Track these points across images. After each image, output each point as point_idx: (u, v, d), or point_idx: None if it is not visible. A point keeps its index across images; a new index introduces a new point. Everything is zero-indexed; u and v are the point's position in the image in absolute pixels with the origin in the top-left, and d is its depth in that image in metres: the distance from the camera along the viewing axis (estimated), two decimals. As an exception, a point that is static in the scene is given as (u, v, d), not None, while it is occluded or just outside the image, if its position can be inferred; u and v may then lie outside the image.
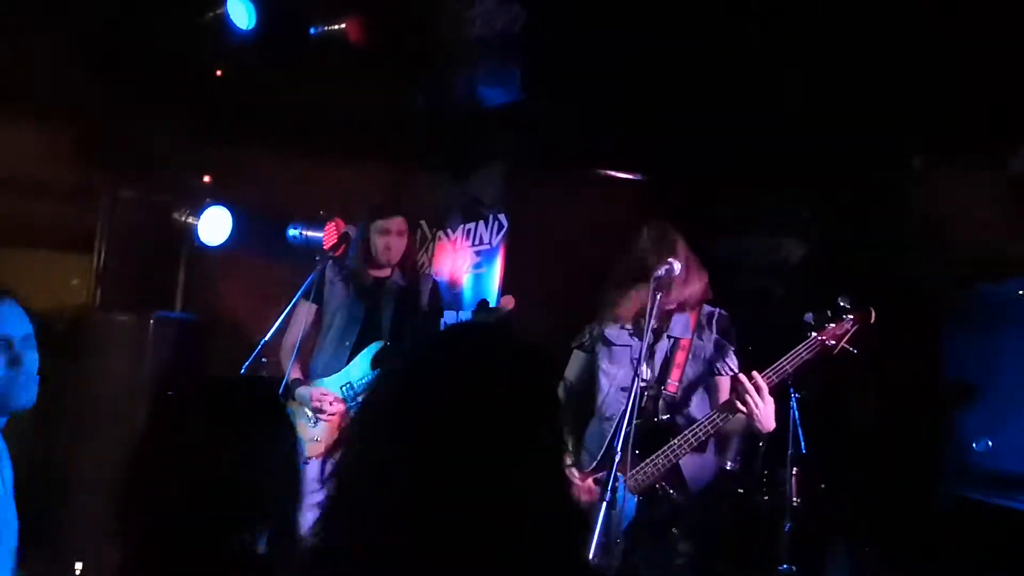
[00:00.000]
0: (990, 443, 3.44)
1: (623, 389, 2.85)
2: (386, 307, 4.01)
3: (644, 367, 3.16)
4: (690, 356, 3.17)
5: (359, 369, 3.87)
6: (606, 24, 4.65)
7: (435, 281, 4.39)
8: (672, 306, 3.17)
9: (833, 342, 2.91)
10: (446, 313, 3.97)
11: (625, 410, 2.85)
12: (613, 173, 5.62)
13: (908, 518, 3.95)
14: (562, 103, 4.80)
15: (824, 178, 5.04)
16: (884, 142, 4.70)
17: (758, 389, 2.91)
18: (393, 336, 3.96)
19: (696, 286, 3.19)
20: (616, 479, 2.96)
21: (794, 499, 4.06)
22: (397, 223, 4.05)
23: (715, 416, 3.02)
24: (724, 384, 3.17)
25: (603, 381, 3.26)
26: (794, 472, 4.03)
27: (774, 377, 2.94)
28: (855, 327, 2.91)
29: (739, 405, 2.93)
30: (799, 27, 4.45)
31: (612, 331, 3.28)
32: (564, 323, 3.81)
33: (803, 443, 3.93)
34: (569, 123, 4.79)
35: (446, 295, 4.63)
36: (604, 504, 2.76)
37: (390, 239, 4.01)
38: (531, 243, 4.97)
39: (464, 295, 5.24)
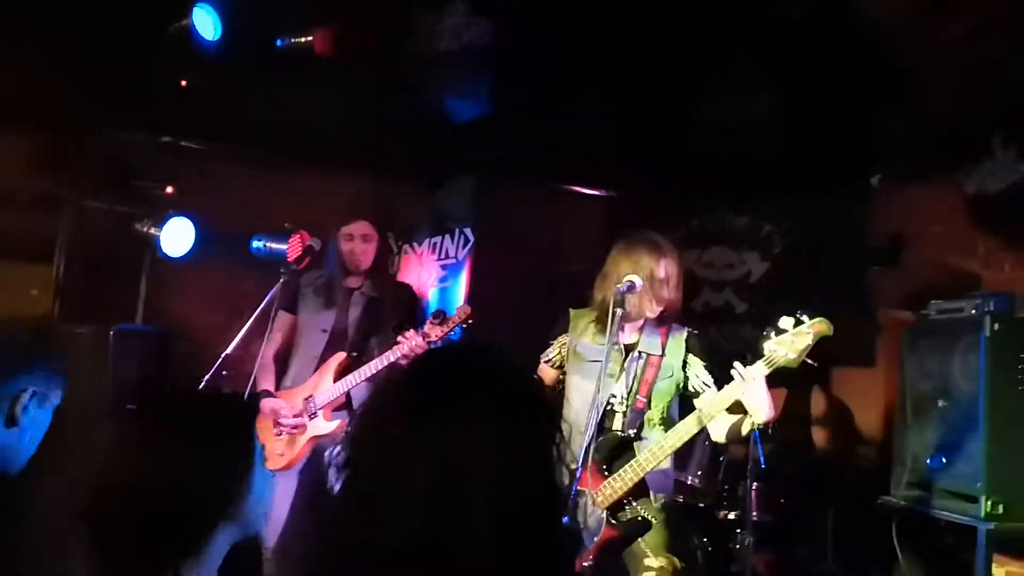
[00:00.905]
0: (944, 459, 3.51)
1: (593, 405, 2.86)
2: (352, 318, 3.94)
3: (614, 382, 3.18)
4: (659, 372, 3.19)
5: (322, 382, 3.82)
6: (575, 40, 4.68)
7: (409, 289, 4.28)
8: (641, 322, 3.19)
9: (793, 355, 2.95)
10: (428, 323, 3.69)
11: (590, 425, 2.86)
12: (579, 189, 5.67)
13: (865, 532, 4.01)
14: (530, 118, 4.83)
15: (785, 195, 5.13)
16: (843, 161, 4.80)
17: (754, 379, 2.94)
18: (356, 348, 3.88)
19: (660, 301, 3.20)
20: (577, 495, 2.99)
21: (754, 514, 4.13)
22: (361, 227, 3.98)
23: (681, 430, 3.04)
24: (705, 398, 3.18)
25: (574, 397, 3.27)
26: (754, 487, 4.09)
27: (765, 369, 2.97)
28: (814, 341, 2.95)
29: (740, 396, 2.95)
30: (765, 46, 4.52)
31: (584, 346, 3.29)
32: (531, 337, 3.82)
33: (763, 459, 3.99)
34: (537, 138, 4.82)
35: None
36: (565, 520, 2.78)
37: (354, 244, 3.96)
38: (497, 257, 4.98)
39: (429, 309, 5.23)
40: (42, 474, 2.03)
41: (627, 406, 3.19)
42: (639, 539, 3.10)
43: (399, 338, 3.62)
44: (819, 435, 4.98)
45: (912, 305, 4.13)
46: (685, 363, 3.23)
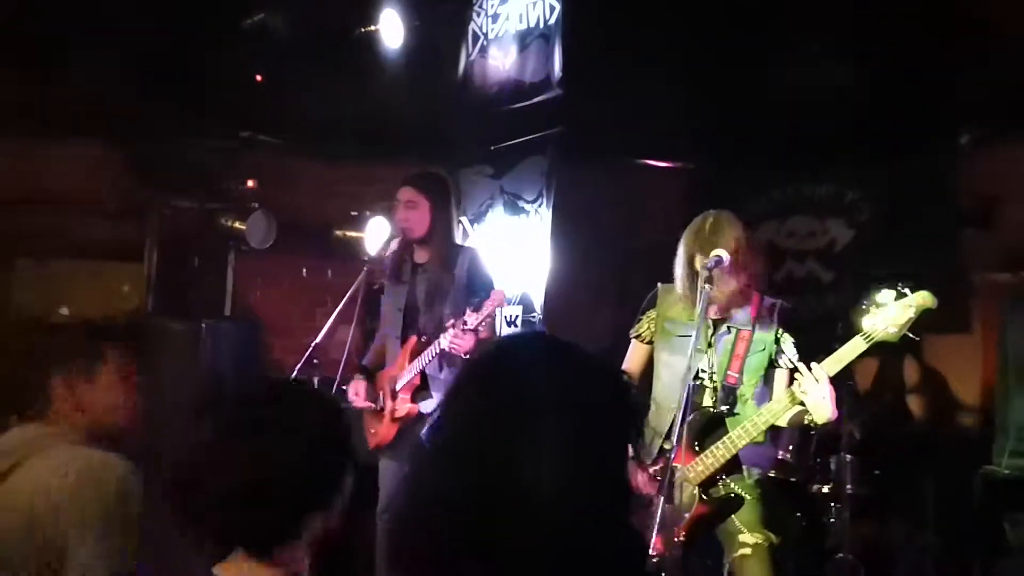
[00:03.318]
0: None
1: (683, 381, 2.82)
2: (420, 296, 3.89)
3: (704, 358, 3.14)
4: (750, 347, 3.14)
5: (404, 363, 3.84)
6: (645, 11, 4.62)
7: (473, 255, 3.97)
8: (728, 299, 3.13)
9: (894, 330, 2.86)
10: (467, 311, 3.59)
11: (683, 401, 2.83)
12: (655, 162, 5.60)
13: (966, 503, 3.90)
14: (600, 95, 4.78)
15: (869, 160, 4.98)
16: (929, 121, 4.64)
17: (818, 380, 2.87)
18: (426, 327, 3.84)
19: (748, 274, 3.14)
20: (673, 471, 2.96)
21: (848, 487, 4.04)
22: (404, 193, 3.84)
23: (775, 407, 2.99)
24: (783, 375, 3.13)
25: (663, 372, 3.24)
26: (849, 460, 4.01)
27: (834, 367, 2.91)
28: (916, 314, 2.85)
29: (799, 396, 2.90)
30: (843, 6, 4.39)
31: (673, 321, 3.26)
32: (610, 314, 3.80)
33: (856, 430, 3.91)
34: (610, 113, 4.77)
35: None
36: (662, 497, 2.76)
37: (398, 210, 3.86)
38: (576, 236, 4.95)
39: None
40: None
41: (718, 381, 3.14)
42: (733, 516, 3.06)
43: (447, 325, 3.61)
44: (914, 405, 4.84)
45: (1010, 268, 3.98)
46: (778, 338, 3.17)
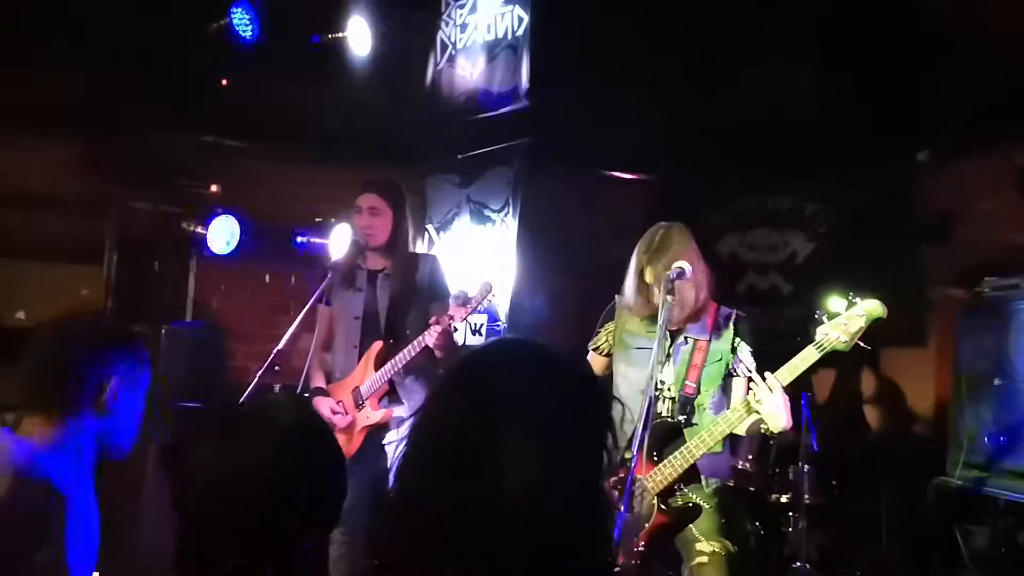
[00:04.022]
0: (1003, 438, 3.45)
1: (642, 392, 2.84)
2: (382, 303, 3.86)
3: (662, 369, 3.17)
4: (707, 357, 3.17)
5: (366, 372, 3.80)
6: (611, 24, 4.66)
7: (434, 262, 4.04)
8: (688, 310, 3.17)
9: (845, 339, 2.91)
10: (452, 305, 3.61)
11: (643, 412, 2.85)
12: (619, 174, 5.64)
13: (920, 514, 3.96)
14: (567, 106, 4.80)
15: (829, 175, 5.06)
16: (888, 137, 4.72)
17: (772, 389, 2.91)
18: (391, 333, 3.82)
19: (705, 286, 3.19)
20: (632, 481, 2.98)
21: (806, 497, 4.09)
22: (369, 199, 3.83)
23: (730, 416, 3.02)
24: (740, 384, 3.17)
25: (621, 384, 3.26)
26: (806, 470, 4.05)
27: (788, 376, 2.95)
28: (867, 324, 2.90)
29: (754, 405, 2.94)
30: (805, 21, 4.45)
31: (631, 333, 3.28)
32: (574, 325, 3.82)
33: (815, 442, 3.96)
34: (575, 126, 4.80)
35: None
36: (622, 507, 2.78)
37: (360, 217, 3.83)
38: (541, 246, 4.97)
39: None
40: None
41: (676, 392, 3.17)
42: (691, 525, 3.09)
43: (432, 319, 3.61)
44: (871, 416, 4.92)
45: (964, 283, 4.05)
46: (734, 348, 3.21)
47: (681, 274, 3.01)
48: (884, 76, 4.46)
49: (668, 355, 3.19)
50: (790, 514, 4.16)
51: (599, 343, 3.40)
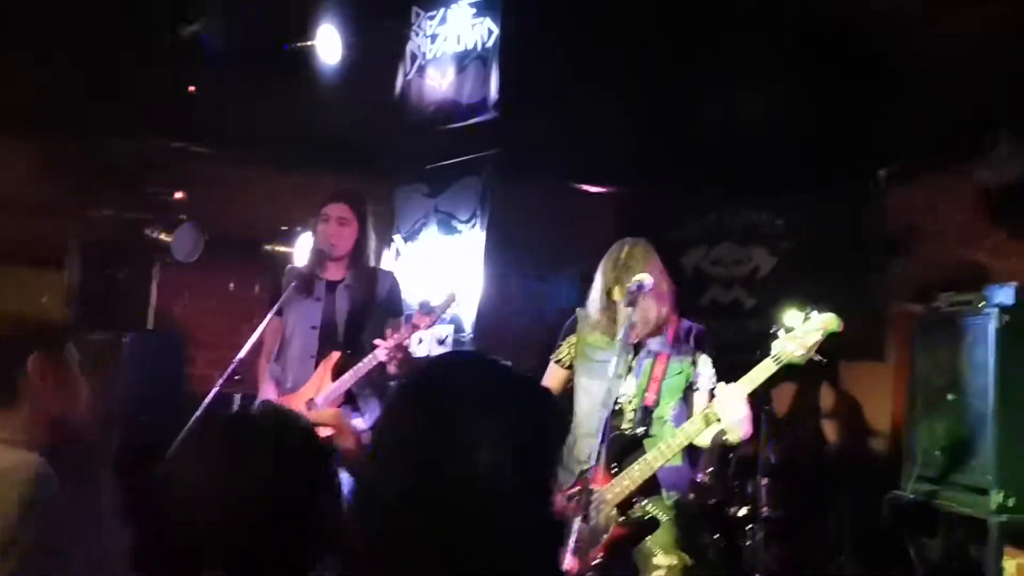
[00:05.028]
0: (955, 453, 3.50)
1: (603, 404, 2.87)
2: (340, 313, 3.85)
3: (623, 381, 3.19)
4: (668, 370, 3.21)
5: (323, 383, 3.75)
6: (581, 38, 4.70)
7: (393, 278, 4.07)
8: (650, 324, 3.20)
9: (802, 351, 2.95)
10: (416, 313, 3.65)
11: (602, 425, 2.87)
12: (588, 187, 5.68)
13: (876, 527, 4.01)
14: (536, 118, 4.84)
15: (793, 190, 5.13)
16: (851, 155, 4.80)
17: (733, 399, 2.95)
18: (349, 344, 3.80)
19: (666, 302, 3.23)
20: (591, 493, 3.00)
21: (764, 509, 4.13)
22: (337, 208, 3.80)
23: (688, 428, 3.06)
24: (702, 397, 3.21)
25: (582, 397, 3.29)
26: (764, 483, 4.10)
27: (746, 388, 2.99)
28: (823, 337, 2.95)
29: (714, 416, 2.97)
30: (770, 43, 4.52)
31: (592, 346, 3.31)
32: (541, 337, 3.83)
33: (772, 454, 4.01)
34: (543, 138, 4.83)
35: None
36: (579, 519, 2.79)
37: (329, 226, 3.80)
38: (509, 257, 4.99)
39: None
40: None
41: (636, 404, 3.20)
42: (648, 537, 3.11)
43: (389, 331, 3.60)
44: (830, 430, 4.98)
45: (921, 298, 4.12)
46: (695, 361, 3.24)
47: (641, 287, 3.05)
48: (847, 96, 4.54)
49: (630, 368, 3.22)
50: (749, 527, 4.20)
51: (561, 355, 3.42)
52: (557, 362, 3.43)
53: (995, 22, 3.90)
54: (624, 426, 3.19)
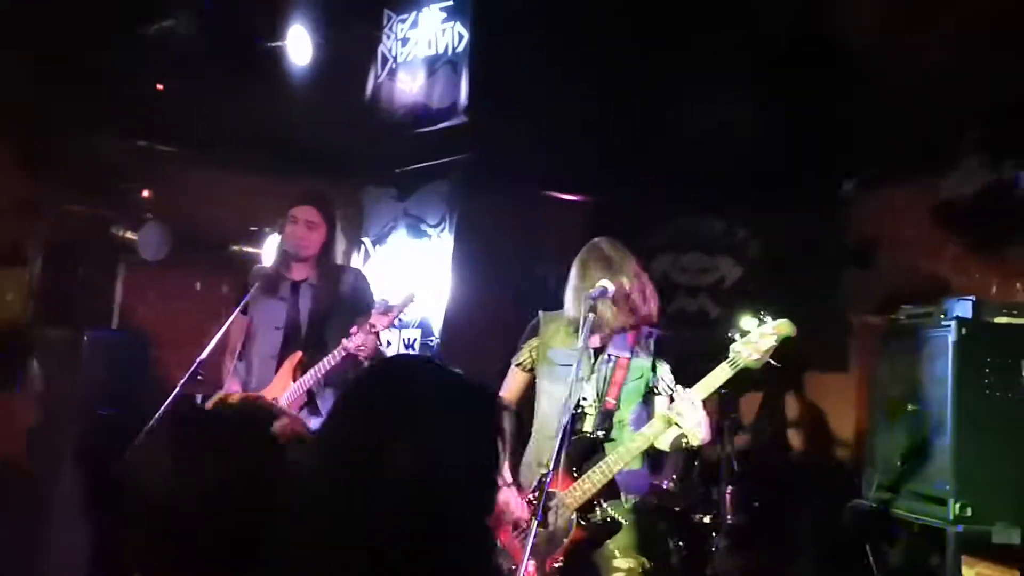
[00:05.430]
0: (914, 463, 3.53)
1: (564, 408, 2.87)
2: (304, 313, 3.83)
3: (584, 385, 3.20)
4: (628, 374, 3.21)
5: (286, 383, 3.74)
6: (553, 44, 4.71)
7: (358, 274, 4.06)
8: (612, 326, 3.19)
9: (757, 356, 2.97)
10: (374, 313, 3.61)
11: (562, 428, 2.87)
12: (557, 194, 5.69)
13: (837, 535, 4.04)
14: (505, 123, 4.84)
15: (759, 201, 5.17)
16: (817, 167, 4.85)
17: (693, 403, 2.96)
18: (312, 343, 3.79)
19: (651, 307, 3.25)
20: (550, 496, 2.99)
21: (728, 516, 4.16)
22: (306, 211, 3.80)
23: (647, 431, 3.06)
24: (662, 402, 3.21)
25: (543, 400, 3.29)
26: (728, 490, 4.12)
27: (703, 391, 3.01)
28: (777, 342, 2.98)
29: (673, 419, 2.98)
30: (742, 54, 4.56)
31: (555, 350, 3.31)
32: (507, 342, 3.83)
33: (735, 463, 4.04)
34: (512, 144, 4.83)
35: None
36: (535, 522, 2.79)
37: (297, 228, 3.79)
38: (472, 262, 4.98)
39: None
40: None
41: (597, 408, 3.20)
42: (609, 540, 3.11)
43: (350, 330, 3.59)
44: (794, 438, 5.01)
45: (884, 310, 4.16)
46: (654, 366, 3.25)
47: (603, 292, 3.05)
48: (814, 108, 4.59)
49: (592, 372, 3.22)
50: (713, 534, 4.21)
51: (522, 359, 3.42)
52: (518, 365, 3.43)
53: (960, 36, 3.96)
54: (585, 429, 3.19)
